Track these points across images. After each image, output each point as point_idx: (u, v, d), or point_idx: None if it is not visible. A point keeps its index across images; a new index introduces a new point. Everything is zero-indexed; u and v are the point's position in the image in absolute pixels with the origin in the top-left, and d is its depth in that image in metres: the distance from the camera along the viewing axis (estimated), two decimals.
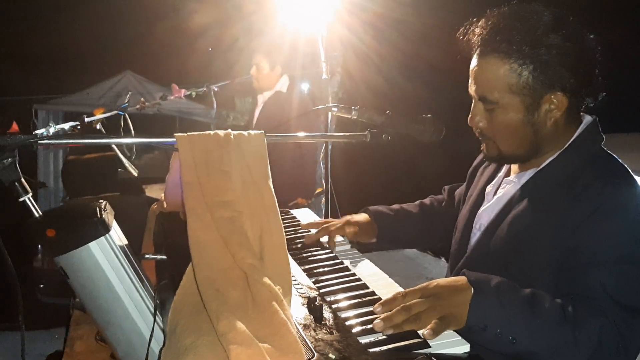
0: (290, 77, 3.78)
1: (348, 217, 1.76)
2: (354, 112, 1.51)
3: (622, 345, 1.16)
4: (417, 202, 1.90)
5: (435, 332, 1.10)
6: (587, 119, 1.42)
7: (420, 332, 1.12)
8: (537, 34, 1.30)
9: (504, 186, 1.49)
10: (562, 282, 1.27)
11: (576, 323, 1.15)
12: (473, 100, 1.43)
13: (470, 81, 1.41)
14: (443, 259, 5.28)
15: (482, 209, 1.53)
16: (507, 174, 1.52)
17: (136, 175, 3.38)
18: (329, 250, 1.65)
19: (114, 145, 3.35)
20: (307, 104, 3.78)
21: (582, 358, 1.15)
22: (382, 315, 1.13)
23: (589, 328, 1.15)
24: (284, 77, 3.74)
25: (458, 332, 1.14)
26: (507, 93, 1.34)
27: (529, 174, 1.43)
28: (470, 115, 1.43)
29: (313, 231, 1.75)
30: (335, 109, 1.54)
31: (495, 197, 1.50)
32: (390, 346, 1.07)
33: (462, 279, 1.20)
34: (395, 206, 1.85)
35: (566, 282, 1.26)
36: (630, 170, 1.34)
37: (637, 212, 1.26)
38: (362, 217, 1.78)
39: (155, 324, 1.04)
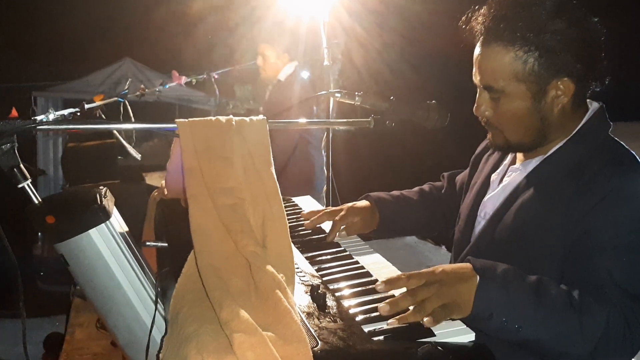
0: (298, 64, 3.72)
1: (349, 205, 1.73)
2: (357, 98, 1.49)
3: (628, 334, 1.15)
4: (417, 188, 1.88)
5: (436, 320, 1.09)
6: (594, 105, 1.40)
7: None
8: (540, 20, 1.28)
9: (510, 174, 1.48)
10: (569, 270, 1.26)
11: (582, 310, 1.14)
12: (478, 90, 1.41)
13: (474, 70, 1.39)
14: (444, 247, 5.29)
15: (487, 197, 1.51)
16: (513, 162, 1.51)
17: (139, 159, 3.35)
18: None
19: (116, 132, 3.33)
20: (307, 91, 3.72)
21: (588, 346, 1.14)
22: (388, 300, 1.12)
23: (596, 316, 1.14)
24: (289, 65, 3.69)
25: (463, 320, 1.13)
26: (513, 81, 1.32)
27: (535, 161, 1.41)
28: (475, 105, 1.41)
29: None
30: (339, 95, 1.52)
31: (501, 185, 1.48)
32: (394, 333, 1.06)
33: (467, 266, 1.18)
34: (396, 193, 1.83)
35: (573, 270, 1.25)
36: (638, 157, 1.32)
37: None
38: (363, 203, 1.75)
39: (157, 311, 1.03)
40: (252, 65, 3.84)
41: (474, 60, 1.39)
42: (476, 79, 1.39)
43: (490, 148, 1.63)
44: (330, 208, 1.73)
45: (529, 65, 1.30)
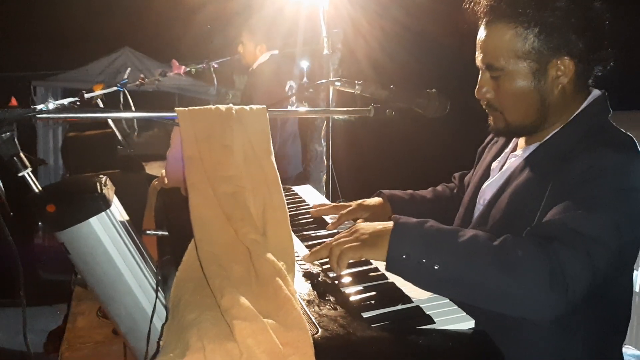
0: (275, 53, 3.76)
1: (360, 201, 1.71)
2: (357, 87, 1.49)
3: (558, 268, 1.07)
4: (430, 188, 1.87)
5: (353, 254, 1.17)
6: (596, 92, 1.39)
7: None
8: None
9: (510, 161, 1.47)
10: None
11: (504, 243, 1.11)
12: (480, 72, 1.40)
13: (477, 52, 1.39)
14: None
15: (485, 184, 1.51)
16: (514, 150, 1.50)
17: (131, 152, 3.37)
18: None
19: (110, 122, 3.33)
20: (269, 82, 3.73)
21: (508, 276, 1.07)
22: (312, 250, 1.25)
23: (518, 246, 1.10)
24: (264, 54, 3.74)
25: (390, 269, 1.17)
26: (513, 58, 1.32)
27: (533, 147, 1.41)
28: (477, 87, 1.41)
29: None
30: (339, 83, 1.52)
31: (500, 172, 1.48)
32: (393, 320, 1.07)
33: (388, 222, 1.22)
34: (409, 191, 1.81)
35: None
36: (636, 142, 1.30)
37: (631, 178, 1.20)
38: (375, 200, 1.73)
39: (158, 299, 1.03)
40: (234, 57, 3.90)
41: (477, 42, 1.38)
42: (478, 60, 1.39)
43: (494, 138, 1.62)
44: (340, 203, 1.71)
45: (529, 42, 1.30)
